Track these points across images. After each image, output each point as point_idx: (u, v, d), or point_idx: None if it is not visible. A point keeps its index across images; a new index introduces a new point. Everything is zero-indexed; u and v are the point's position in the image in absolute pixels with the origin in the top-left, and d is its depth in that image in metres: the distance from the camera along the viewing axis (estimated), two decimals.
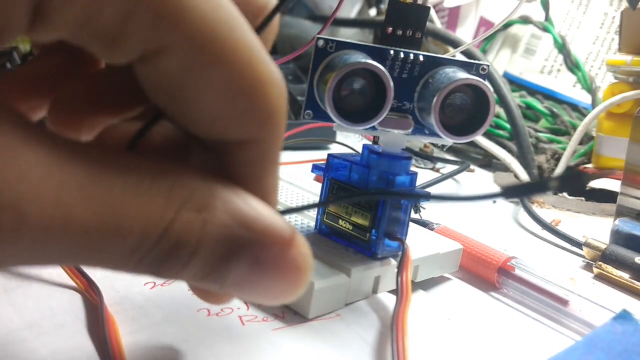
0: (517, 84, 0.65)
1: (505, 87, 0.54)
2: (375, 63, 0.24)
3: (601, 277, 0.33)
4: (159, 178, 0.14)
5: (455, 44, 0.57)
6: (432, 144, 0.57)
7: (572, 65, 0.59)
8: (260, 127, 0.15)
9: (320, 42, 0.25)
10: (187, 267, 0.14)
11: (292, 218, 0.30)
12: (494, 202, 0.46)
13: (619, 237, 0.35)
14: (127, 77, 0.16)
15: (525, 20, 0.62)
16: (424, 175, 0.48)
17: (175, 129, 0.18)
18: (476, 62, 0.27)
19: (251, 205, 0.15)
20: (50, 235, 0.13)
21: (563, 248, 0.37)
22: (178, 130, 0.17)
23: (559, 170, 0.49)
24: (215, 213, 0.14)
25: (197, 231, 0.14)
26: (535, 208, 0.43)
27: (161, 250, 0.14)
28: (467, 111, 0.26)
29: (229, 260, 0.15)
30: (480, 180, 0.52)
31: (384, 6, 0.75)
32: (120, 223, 0.13)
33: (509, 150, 0.54)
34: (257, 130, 0.15)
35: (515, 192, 0.17)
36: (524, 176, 0.50)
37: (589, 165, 0.52)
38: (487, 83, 0.25)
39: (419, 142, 0.57)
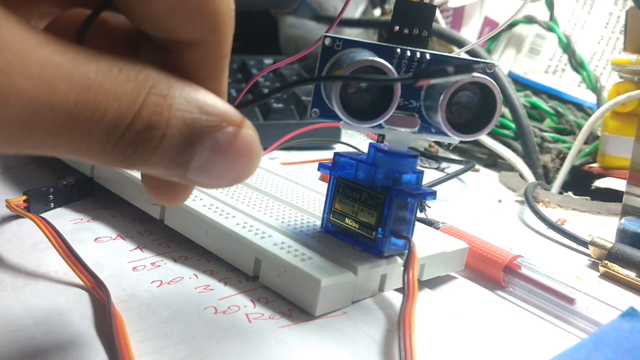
0: (522, 84, 0.65)
1: (510, 87, 0.54)
2: (382, 61, 0.24)
3: (607, 276, 0.33)
4: (125, 67, 0.15)
5: (460, 43, 0.57)
6: (438, 143, 0.57)
7: (577, 65, 0.58)
8: (208, 29, 0.17)
9: (328, 41, 0.25)
10: (158, 150, 0.16)
11: (299, 217, 0.30)
12: (499, 201, 0.45)
13: (624, 236, 0.35)
14: None
15: (529, 20, 0.62)
16: (429, 175, 0.48)
17: (125, 28, 0.19)
18: (482, 60, 0.27)
19: (205, 95, 0.17)
20: (35, 109, 0.14)
21: (569, 247, 0.37)
22: (129, 29, 0.19)
23: (564, 169, 0.49)
24: (176, 100, 0.16)
25: (165, 114, 0.15)
26: (540, 207, 0.43)
27: (135, 131, 0.15)
28: (474, 109, 0.26)
29: (194, 144, 0.16)
30: (485, 179, 0.52)
31: (388, 6, 0.75)
32: (98, 101, 0.14)
33: (514, 150, 0.54)
34: (205, 31, 0.17)
35: (424, 75, 0.20)
36: (529, 175, 0.50)
37: (594, 165, 0.52)
38: (493, 81, 0.25)
39: (424, 141, 0.58)
